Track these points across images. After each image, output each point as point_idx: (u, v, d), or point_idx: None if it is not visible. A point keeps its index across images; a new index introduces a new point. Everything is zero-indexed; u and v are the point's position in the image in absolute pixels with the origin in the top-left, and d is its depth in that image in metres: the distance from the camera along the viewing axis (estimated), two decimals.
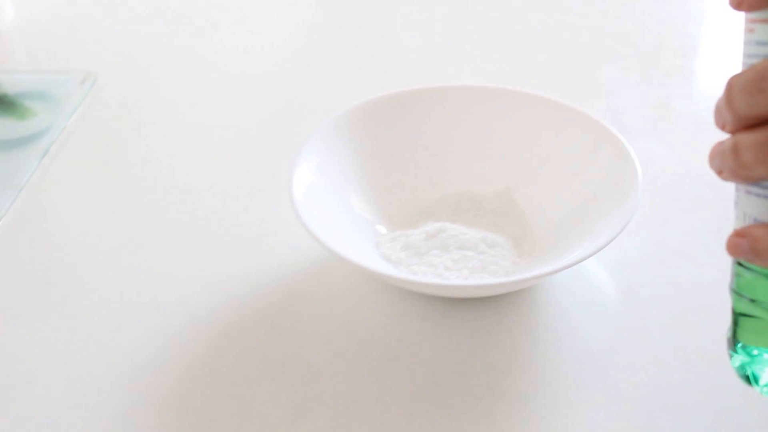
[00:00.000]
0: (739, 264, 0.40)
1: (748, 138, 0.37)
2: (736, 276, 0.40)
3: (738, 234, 0.38)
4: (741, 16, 0.38)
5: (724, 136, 0.37)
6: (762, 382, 0.40)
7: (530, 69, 0.79)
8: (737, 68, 0.38)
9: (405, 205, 0.59)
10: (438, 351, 0.51)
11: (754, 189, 0.38)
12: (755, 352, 0.40)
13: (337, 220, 0.55)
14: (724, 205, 0.61)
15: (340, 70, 0.79)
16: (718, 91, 0.39)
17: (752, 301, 0.39)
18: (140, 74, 0.79)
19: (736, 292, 0.40)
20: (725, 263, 0.56)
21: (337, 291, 0.55)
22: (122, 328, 0.54)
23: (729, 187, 0.62)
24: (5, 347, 0.53)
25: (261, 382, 0.50)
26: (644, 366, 0.50)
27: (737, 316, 0.41)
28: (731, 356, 0.41)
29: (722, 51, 0.81)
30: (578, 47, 0.82)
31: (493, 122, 0.61)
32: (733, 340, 0.41)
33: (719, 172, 0.39)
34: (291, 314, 0.54)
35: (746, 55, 0.38)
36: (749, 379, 0.40)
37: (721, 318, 0.52)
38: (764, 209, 0.38)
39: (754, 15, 0.37)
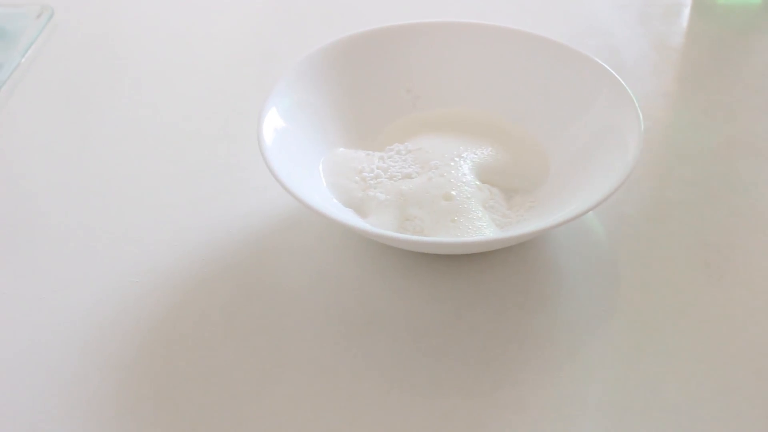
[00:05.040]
0: None
1: None
2: None
3: None
4: None
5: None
6: None
7: (521, 5, 0.74)
8: None
9: None
10: (420, 311, 0.47)
11: None
12: None
13: (311, 168, 0.51)
14: (729, 155, 0.57)
15: (316, 5, 0.75)
16: None
17: None
18: (101, 8, 0.75)
19: None
20: (729, 217, 0.52)
21: (311, 245, 0.51)
22: (77, 284, 0.50)
23: (735, 137, 0.59)
24: None
25: (226, 346, 0.46)
26: (644, 330, 0.46)
27: None
28: None
29: None
30: None
31: (481, 62, 0.56)
32: None
33: None
34: (260, 271, 0.50)
35: None
36: None
37: (727, 276, 0.49)
38: None
39: None
